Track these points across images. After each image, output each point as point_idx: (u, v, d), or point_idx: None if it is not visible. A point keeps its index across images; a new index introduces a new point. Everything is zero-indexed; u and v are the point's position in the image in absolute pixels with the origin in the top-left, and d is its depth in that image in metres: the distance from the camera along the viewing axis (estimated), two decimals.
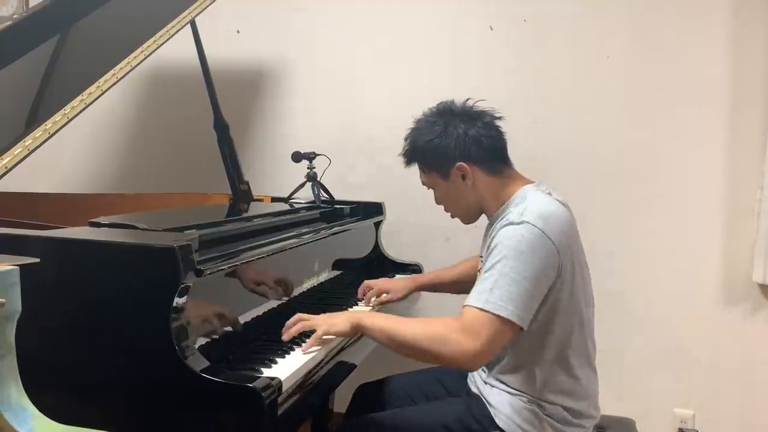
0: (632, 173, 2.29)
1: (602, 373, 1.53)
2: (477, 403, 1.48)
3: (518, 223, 1.34)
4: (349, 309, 1.76)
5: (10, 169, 1.30)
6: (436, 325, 1.34)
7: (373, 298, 1.80)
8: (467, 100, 1.51)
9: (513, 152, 1.52)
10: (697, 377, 2.27)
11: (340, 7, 2.53)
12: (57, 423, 0.90)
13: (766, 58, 2.15)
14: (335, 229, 1.95)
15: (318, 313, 1.44)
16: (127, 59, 1.60)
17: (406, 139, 1.53)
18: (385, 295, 1.81)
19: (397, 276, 2.10)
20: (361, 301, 1.82)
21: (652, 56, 2.25)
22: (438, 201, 1.56)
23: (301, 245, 1.68)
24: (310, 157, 2.13)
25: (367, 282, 1.85)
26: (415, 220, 2.44)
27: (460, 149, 1.45)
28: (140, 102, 2.78)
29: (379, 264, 2.25)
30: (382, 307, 1.82)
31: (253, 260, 1.42)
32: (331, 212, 2.09)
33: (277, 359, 1.31)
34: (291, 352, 1.36)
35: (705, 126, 2.22)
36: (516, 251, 1.31)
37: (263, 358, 1.31)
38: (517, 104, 2.28)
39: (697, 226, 2.25)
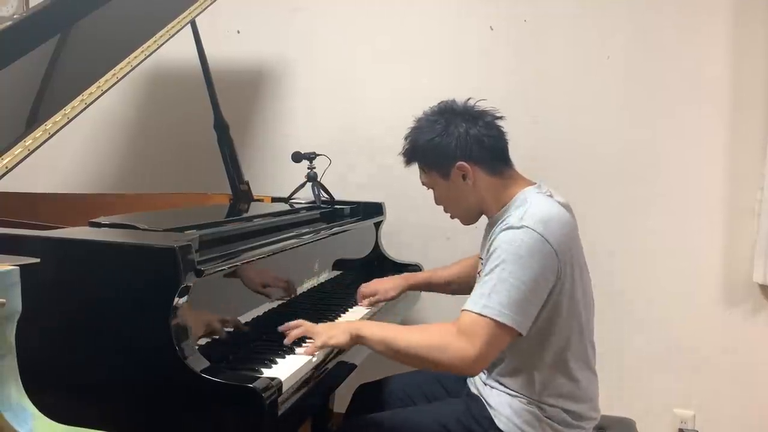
0: (632, 173, 2.29)
1: (602, 373, 1.53)
2: (477, 404, 1.48)
3: (518, 228, 1.33)
4: (349, 309, 1.76)
5: (11, 169, 1.30)
6: (434, 333, 1.34)
7: (365, 300, 1.80)
8: (469, 99, 1.51)
9: (513, 152, 1.51)
10: (697, 377, 2.27)
11: (341, 6, 2.53)
12: (57, 423, 0.90)
13: (766, 58, 2.15)
14: (335, 229, 1.95)
15: (318, 314, 1.44)
16: (127, 59, 1.60)
17: (406, 138, 1.52)
18: (371, 297, 1.80)
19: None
20: (356, 306, 1.81)
21: (652, 56, 2.25)
22: (438, 201, 1.55)
23: (301, 245, 1.68)
24: (311, 157, 2.13)
25: (359, 291, 1.84)
26: (415, 220, 2.43)
27: (461, 148, 1.44)
28: (140, 102, 2.78)
29: (379, 264, 2.25)
30: (382, 308, 1.82)
31: (253, 260, 1.42)
32: (331, 212, 2.08)
33: (278, 359, 1.31)
34: (291, 352, 1.36)
35: (705, 126, 2.22)
36: (515, 256, 1.31)
37: (263, 358, 1.31)
38: (518, 104, 2.28)
39: (698, 226, 2.25)
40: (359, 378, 1.74)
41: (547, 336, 1.40)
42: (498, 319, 1.28)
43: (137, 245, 1.19)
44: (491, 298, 1.29)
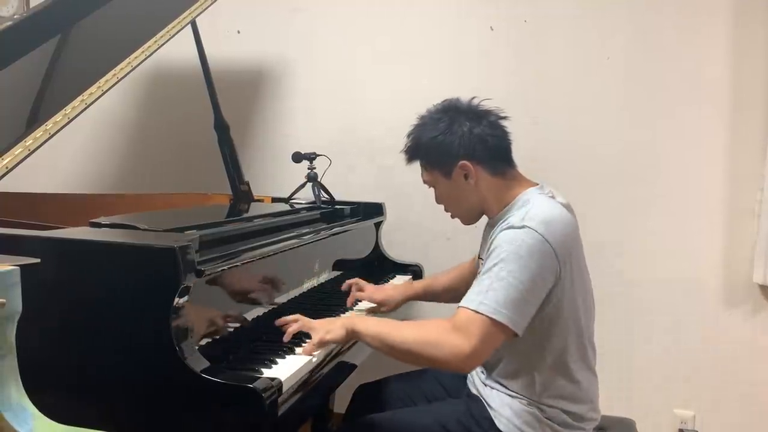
0: (632, 174, 2.29)
1: (602, 373, 1.53)
2: (477, 405, 1.48)
3: (519, 228, 1.33)
4: (349, 310, 1.76)
5: (11, 169, 1.30)
6: (430, 329, 1.34)
7: (366, 304, 1.80)
8: (473, 98, 1.50)
9: (513, 153, 1.51)
10: (697, 377, 2.27)
11: (341, 7, 2.53)
12: (57, 423, 0.90)
13: (766, 59, 2.15)
14: (335, 229, 1.94)
15: (318, 315, 1.44)
16: (127, 59, 1.60)
17: (409, 135, 1.51)
18: (380, 306, 1.80)
19: (392, 282, 2.09)
20: (359, 303, 1.82)
21: (652, 57, 2.25)
22: (439, 200, 1.55)
23: (301, 246, 1.68)
24: (311, 157, 2.13)
25: (356, 281, 1.83)
26: (416, 220, 2.44)
27: (465, 147, 1.43)
28: (141, 102, 2.78)
29: (380, 264, 2.25)
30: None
31: (253, 261, 1.42)
32: (332, 213, 2.08)
33: (278, 360, 1.31)
34: (291, 352, 1.36)
35: (705, 127, 2.22)
36: (515, 255, 1.31)
37: (263, 358, 1.31)
38: (518, 105, 2.25)
39: (698, 227, 2.25)
40: (359, 378, 1.74)
41: (547, 337, 1.40)
42: (493, 317, 1.28)
43: (137, 245, 1.19)
44: (488, 296, 1.29)
